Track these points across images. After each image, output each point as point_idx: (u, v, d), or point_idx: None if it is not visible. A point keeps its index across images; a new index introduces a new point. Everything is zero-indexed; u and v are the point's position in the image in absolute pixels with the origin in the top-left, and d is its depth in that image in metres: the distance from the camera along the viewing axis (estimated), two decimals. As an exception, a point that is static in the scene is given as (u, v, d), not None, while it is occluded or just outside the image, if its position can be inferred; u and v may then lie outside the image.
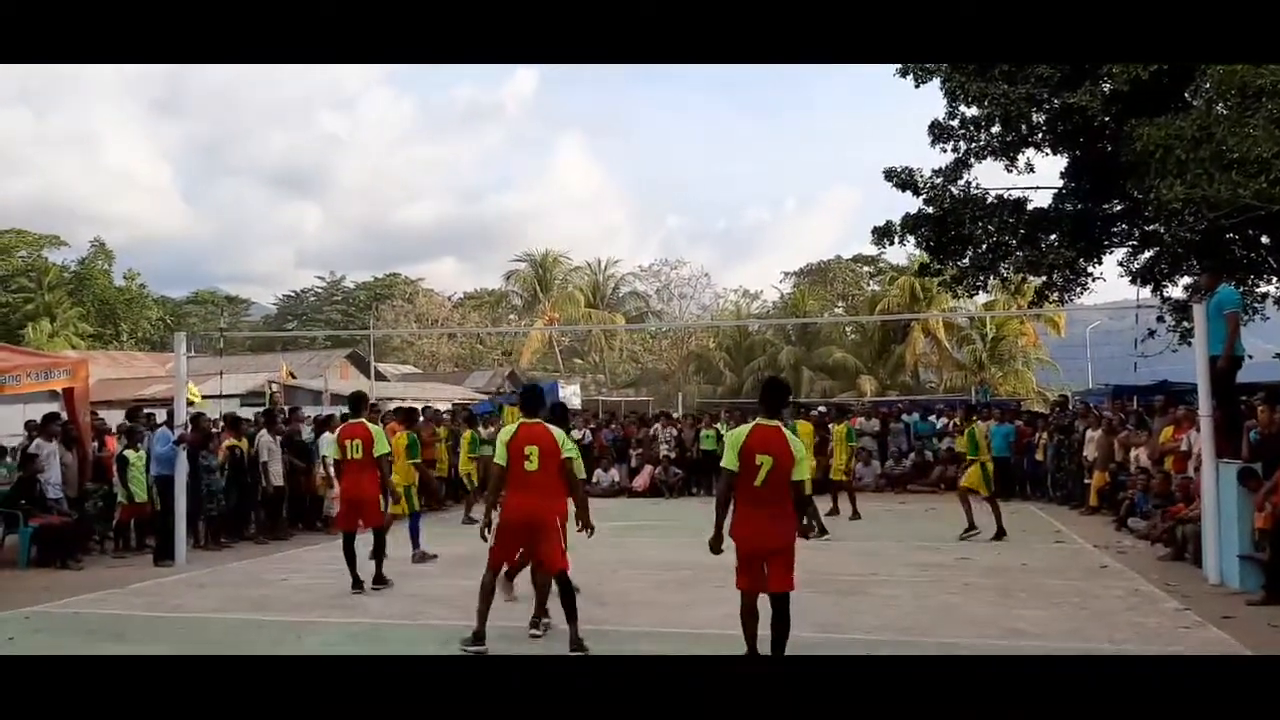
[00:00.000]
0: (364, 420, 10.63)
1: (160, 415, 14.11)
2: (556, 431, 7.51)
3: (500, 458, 7.43)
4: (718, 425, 22.39)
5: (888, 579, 10.56)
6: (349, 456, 10.33)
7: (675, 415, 25.97)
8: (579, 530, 7.69)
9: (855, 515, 16.05)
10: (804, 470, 6.40)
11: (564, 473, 7.46)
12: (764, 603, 6.48)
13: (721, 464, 6.53)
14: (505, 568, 7.90)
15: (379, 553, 10.36)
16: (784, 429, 6.45)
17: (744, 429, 6.48)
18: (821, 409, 25.35)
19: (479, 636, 7.34)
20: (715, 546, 6.49)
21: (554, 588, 7.52)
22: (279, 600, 9.97)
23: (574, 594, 7.38)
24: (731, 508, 6.41)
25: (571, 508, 7.71)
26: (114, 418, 15.34)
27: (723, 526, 6.45)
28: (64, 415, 13.68)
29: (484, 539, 7.54)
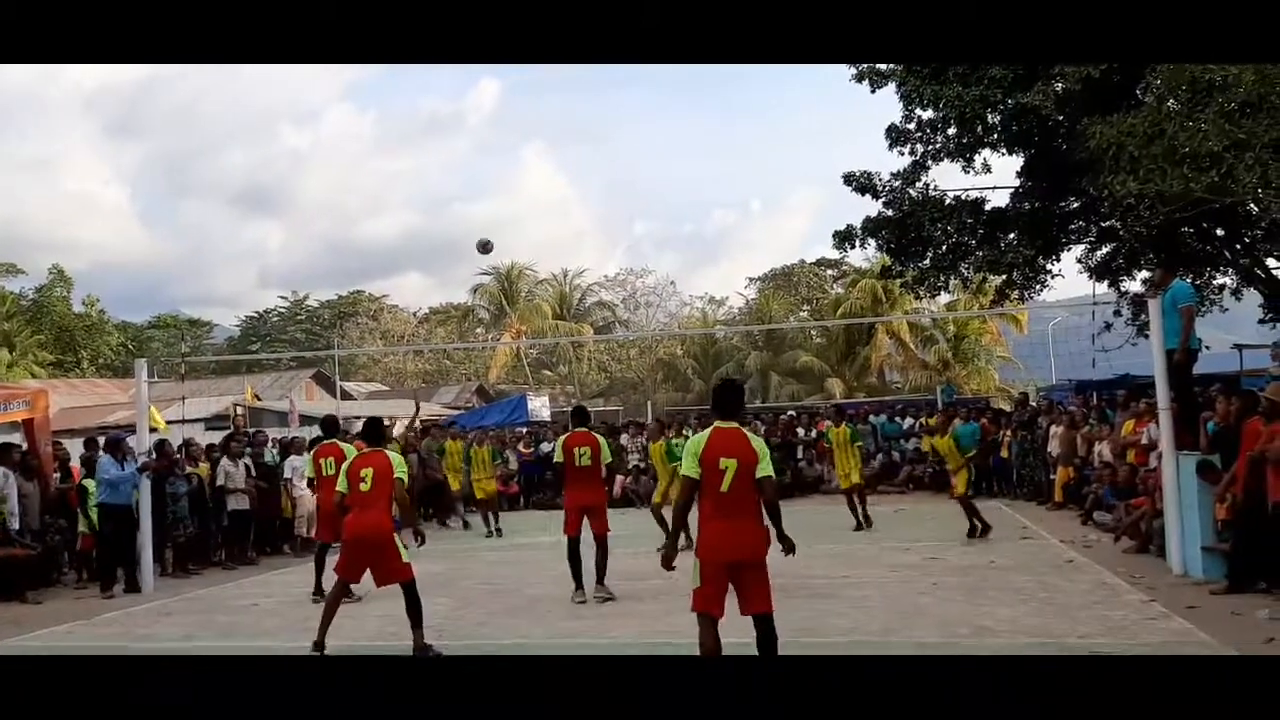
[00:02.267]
0: (337, 440, 11.56)
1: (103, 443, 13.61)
2: (394, 457, 8.35)
3: (341, 485, 8.39)
4: (685, 432, 22.45)
5: (859, 581, 10.61)
6: (324, 474, 11.17)
7: (645, 423, 25.95)
8: (417, 543, 8.40)
9: (865, 523, 15.05)
10: (768, 466, 6.02)
11: (395, 491, 8.20)
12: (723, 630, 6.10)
13: (680, 470, 6.24)
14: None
15: None
16: (743, 430, 6.15)
17: (703, 434, 6.11)
18: (791, 413, 25.52)
19: (318, 645, 7.95)
20: (668, 561, 6.27)
21: None
22: (248, 626, 9.89)
23: (420, 602, 8.02)
24: (696, 520, 6.09)
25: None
26: (77, 447, 15.13)
27: (678, 539, 6.29)
28: (24, 446, 13.49)
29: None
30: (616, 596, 10.11)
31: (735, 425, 6.13)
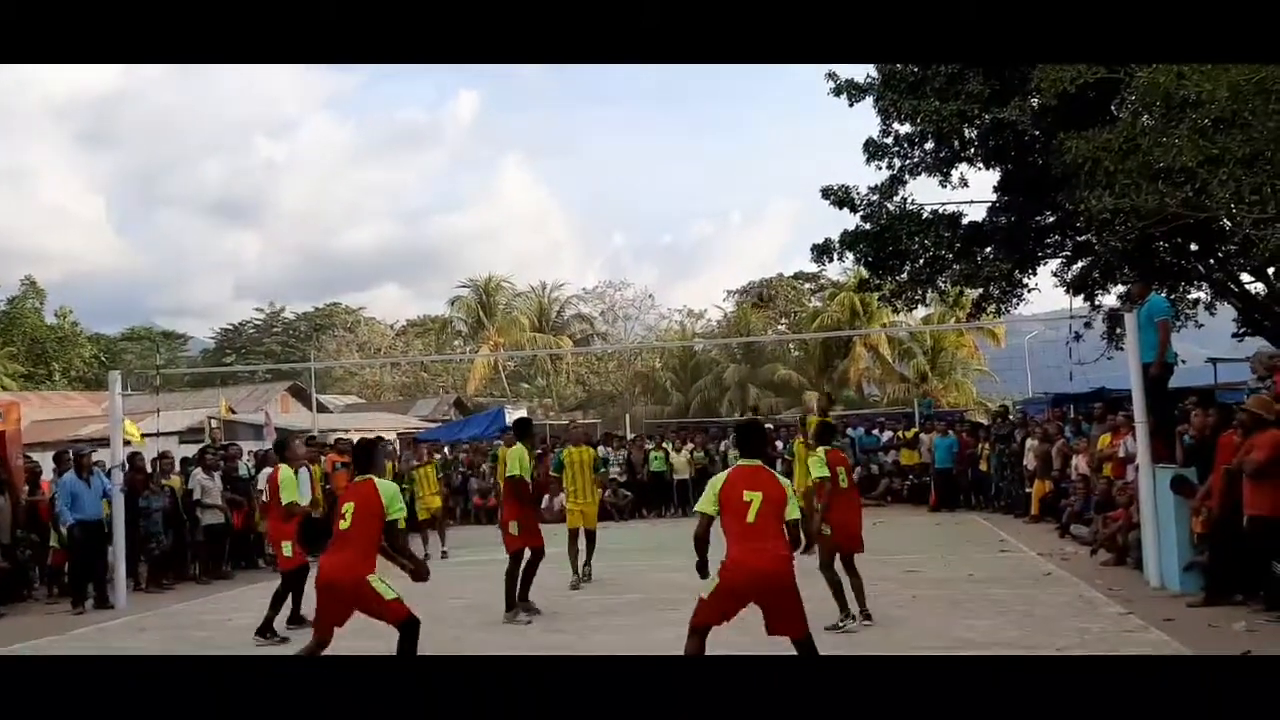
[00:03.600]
0: (280, 465, 10.27)
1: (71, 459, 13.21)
2: (385, 490, 6.89)
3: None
4: (665, 446, 22.44)
5: (837, 594, 10.58)
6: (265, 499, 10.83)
7: (625, 436, 25.92)
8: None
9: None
10: (795, 509, 6.12)
11: (387, 536, 6.88)
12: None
13: (696, 507, 6.27)
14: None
15: (275, 600, 9.91)
16: (767, 468, 6.24)
17: (724, 472, 6.27)
18: (769, 426, 25.50)
19: None
20: (702, 571, 6.25)
21: None
22: (222, 642, 9.78)
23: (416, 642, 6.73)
24: (725, 552, 6.05)
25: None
26: (48, 460, 14.96)
27: (705, 556, 6.22)
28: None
29: None
30: (530, 620, 9.91)
31: (758, 463, 6.23)
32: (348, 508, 6.84)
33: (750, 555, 5.91)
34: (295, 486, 10.12)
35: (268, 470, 15.06)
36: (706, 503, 6.13)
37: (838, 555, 9.12)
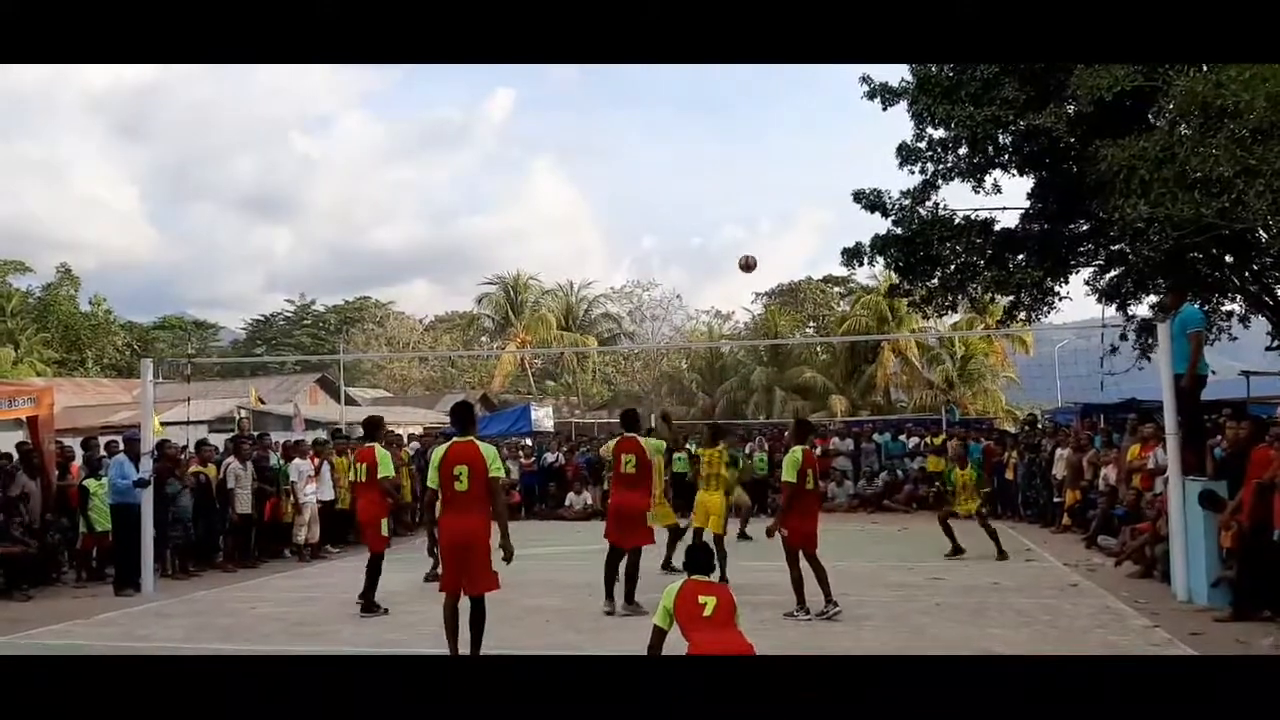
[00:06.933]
0: (376, 444, 11.15)
1: (122, 442, 13.62)
2: (486, 449, 7.49)
3: (433, 481, 7.54)
4: (689, 447, 22.40)
5: (860, 599, 10.54)
6: (358, 480, 11.22)
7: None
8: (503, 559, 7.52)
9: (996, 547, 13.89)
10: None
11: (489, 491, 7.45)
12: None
13: (653, 620, 6.09)
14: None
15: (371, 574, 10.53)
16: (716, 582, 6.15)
17: (674, 587, 6.02)
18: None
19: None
20: None
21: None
22: (247, 630, 9.85)
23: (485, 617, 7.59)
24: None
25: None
26: (79, 446, 15.14)
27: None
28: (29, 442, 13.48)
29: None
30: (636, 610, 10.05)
31: (708, 579, 6.15)
32: (461, 470, 7.31)
33: (715, 647, 5.71)
34: (390, 463, 11.01)
35: (298, 461, 15.28)
36: (661, 619, 5.99)
37: (800, 552, 9.72)
